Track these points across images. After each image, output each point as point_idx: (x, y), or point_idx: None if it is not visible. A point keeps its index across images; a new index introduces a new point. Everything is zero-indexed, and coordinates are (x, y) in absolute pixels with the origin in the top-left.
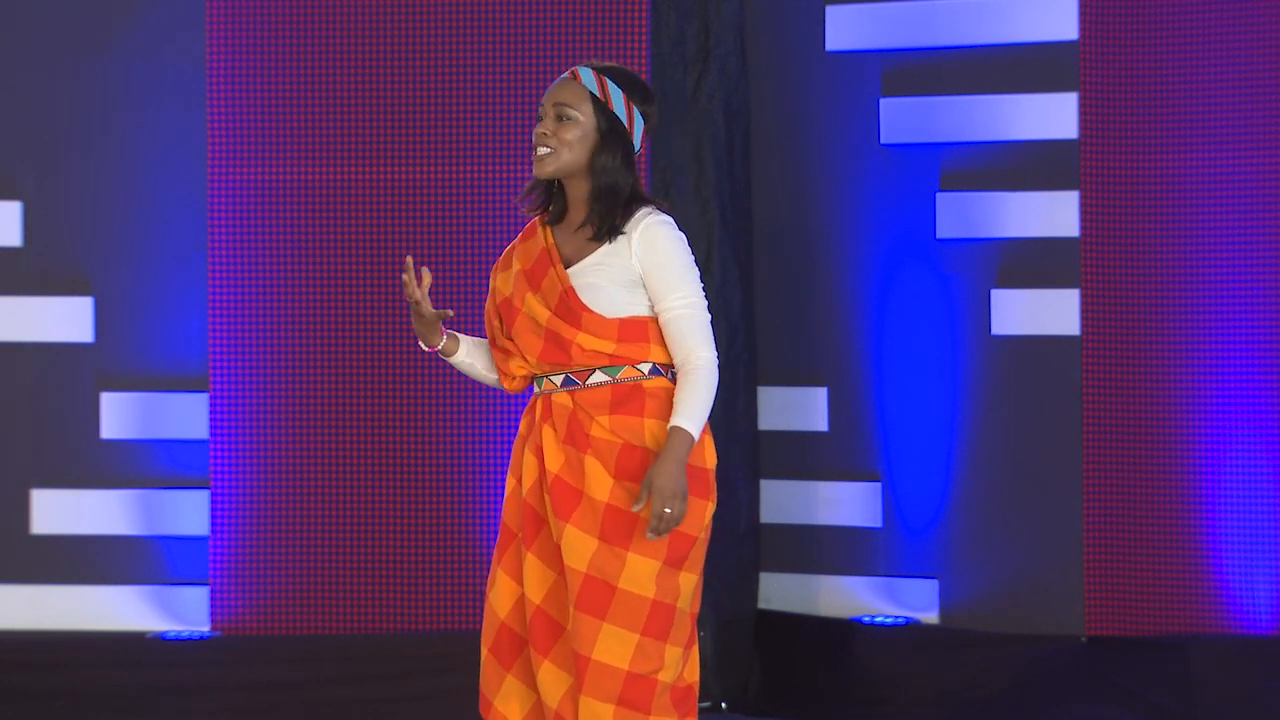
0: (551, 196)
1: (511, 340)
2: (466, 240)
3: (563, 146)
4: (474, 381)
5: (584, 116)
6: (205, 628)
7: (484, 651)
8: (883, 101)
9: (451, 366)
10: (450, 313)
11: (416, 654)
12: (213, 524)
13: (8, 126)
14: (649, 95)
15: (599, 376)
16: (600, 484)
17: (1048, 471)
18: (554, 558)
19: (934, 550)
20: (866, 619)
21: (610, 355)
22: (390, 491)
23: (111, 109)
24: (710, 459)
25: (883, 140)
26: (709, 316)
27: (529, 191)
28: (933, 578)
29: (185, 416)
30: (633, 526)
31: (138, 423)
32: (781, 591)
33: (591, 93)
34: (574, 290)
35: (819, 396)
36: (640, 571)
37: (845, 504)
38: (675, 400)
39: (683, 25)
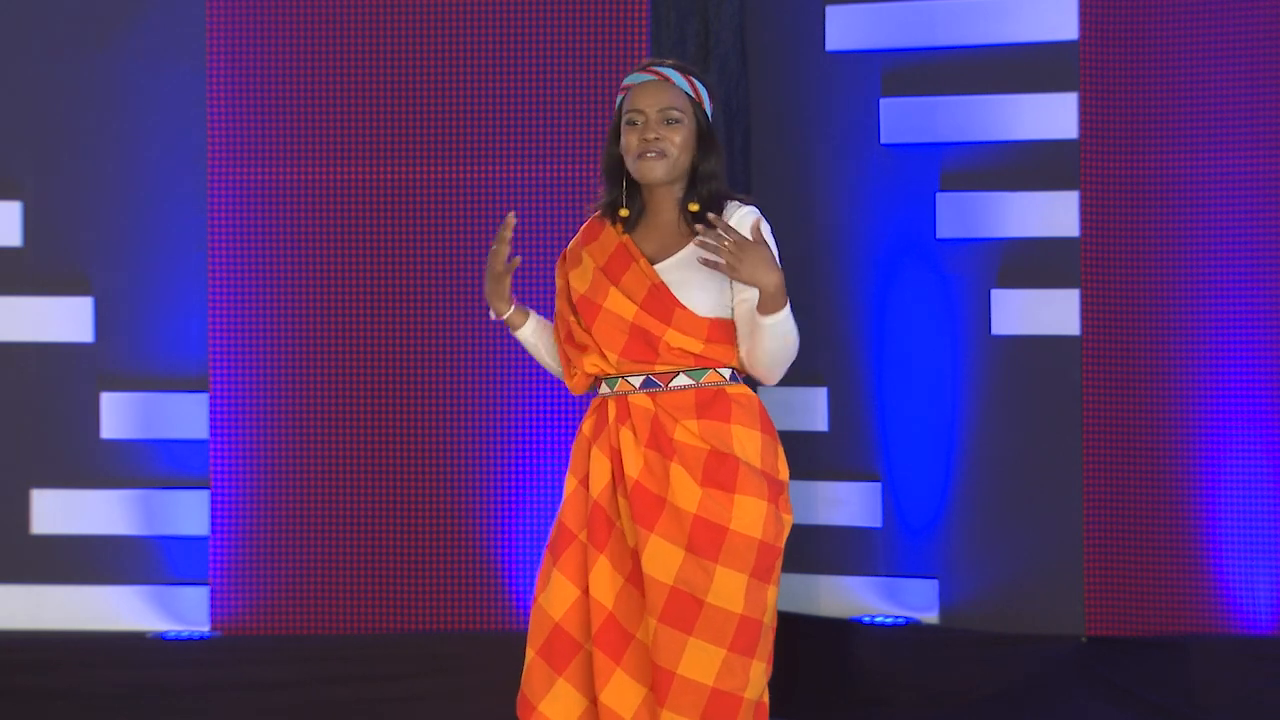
0: (624, 198)
1: (590, 336)
2: (466, 240)
3: (674, 149)
4: (474, 381)
5: (687, 119)
6: (205, 628)
7: (530, 653)
8: (883, 101)
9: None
10: (518, 259)
11: (416, 654)
12: (213, 524)
13: (8, 126)
14: (712, 91)
15: (683, 379)
16: (688, 494)
17: (1048, 471)
18: (623, 562)
19: (934, 550)
20: (866, 619)
21: (696, 355)
22: (390, 491)
23: (111, 109)
24: (784, 470)
25: (883, 140)
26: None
27: (607, 198)
28: (933, 578)
29: (185, 416)
30: (721, 538)
31: (138, 423)
32: (782, 591)
33: (688, 94)
34: (665, 285)
35: (819, 396)
36: (729, 586)
37: (845, 504)
38: None
39: (683, 25)
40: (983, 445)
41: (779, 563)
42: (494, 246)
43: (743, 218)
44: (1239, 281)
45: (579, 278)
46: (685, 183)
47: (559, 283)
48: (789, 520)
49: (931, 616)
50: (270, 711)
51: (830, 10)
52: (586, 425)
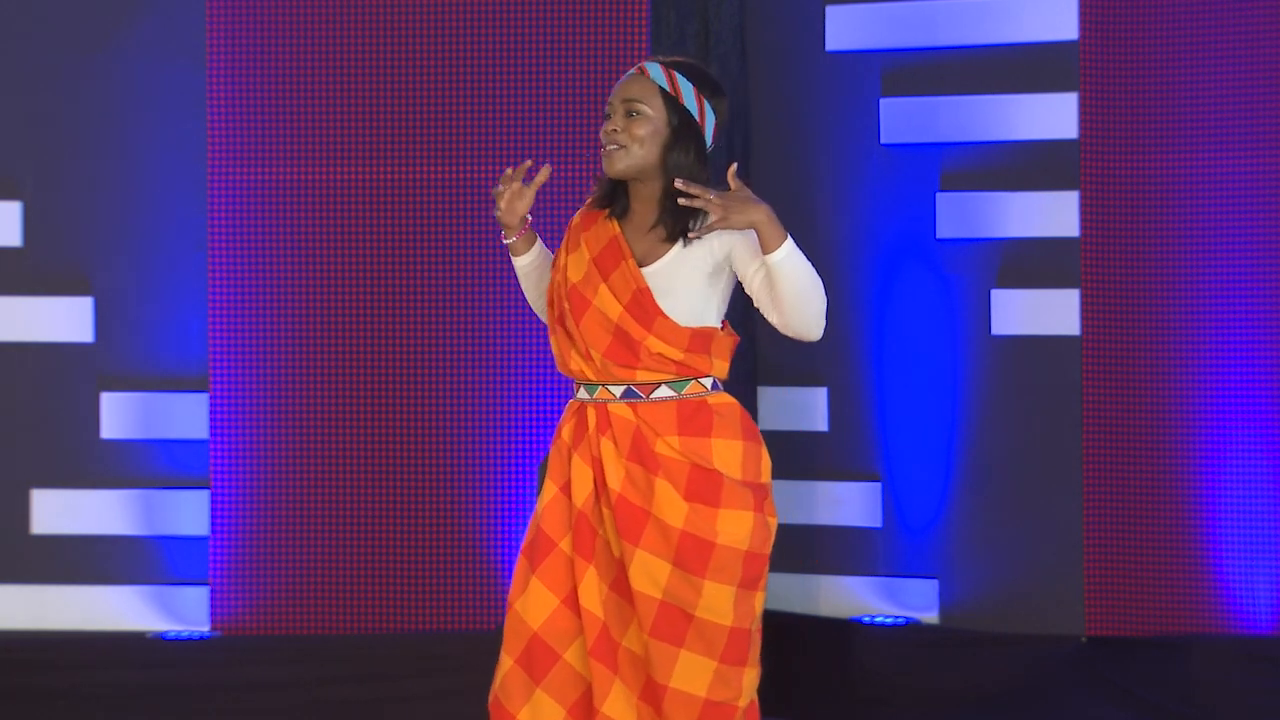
0: (615, 196)
1: (579, 330)
2: (467, 240)
3: (633, 143)
4: (474, 382)
5: (654, 111)
6: (205, 628)
7: (509, 661)
8: (883, 101)
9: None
10: (548, 168)
11: (416, 654)
12: (213, 524)
13: (8, 126)
14: (720, 89)
15: (665, 391)
16: (674, 509)
17: (1048, 471)
18: (608, 571)
19: (934, 550)
20: (866, 619)
21: (677, 364)
22: (390, 491)
23: (111, 109)
24: (767, 474)
25: (883, 140)
26: None
27: (597, 193)
28: (933, 578)
29: (185, 416)
30: (709, 554)
31: (138, 423)
32: (781, 591)
33: (661, 87)
34: (649, 292)
35: (819, 396)
36: (718, 599)
37: (845, 504)
38: None
39: (683, 25)
40: (983, 445)
41: (766, 568)
42: (504, 179)
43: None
44: (1239, 281)
45: (575, 264)
46: (662, 182)
47: (557, 260)
48: (774, 523)
49: (931, 616)
50: (270, 711)
51: (830, 10)
52: (565, 430)
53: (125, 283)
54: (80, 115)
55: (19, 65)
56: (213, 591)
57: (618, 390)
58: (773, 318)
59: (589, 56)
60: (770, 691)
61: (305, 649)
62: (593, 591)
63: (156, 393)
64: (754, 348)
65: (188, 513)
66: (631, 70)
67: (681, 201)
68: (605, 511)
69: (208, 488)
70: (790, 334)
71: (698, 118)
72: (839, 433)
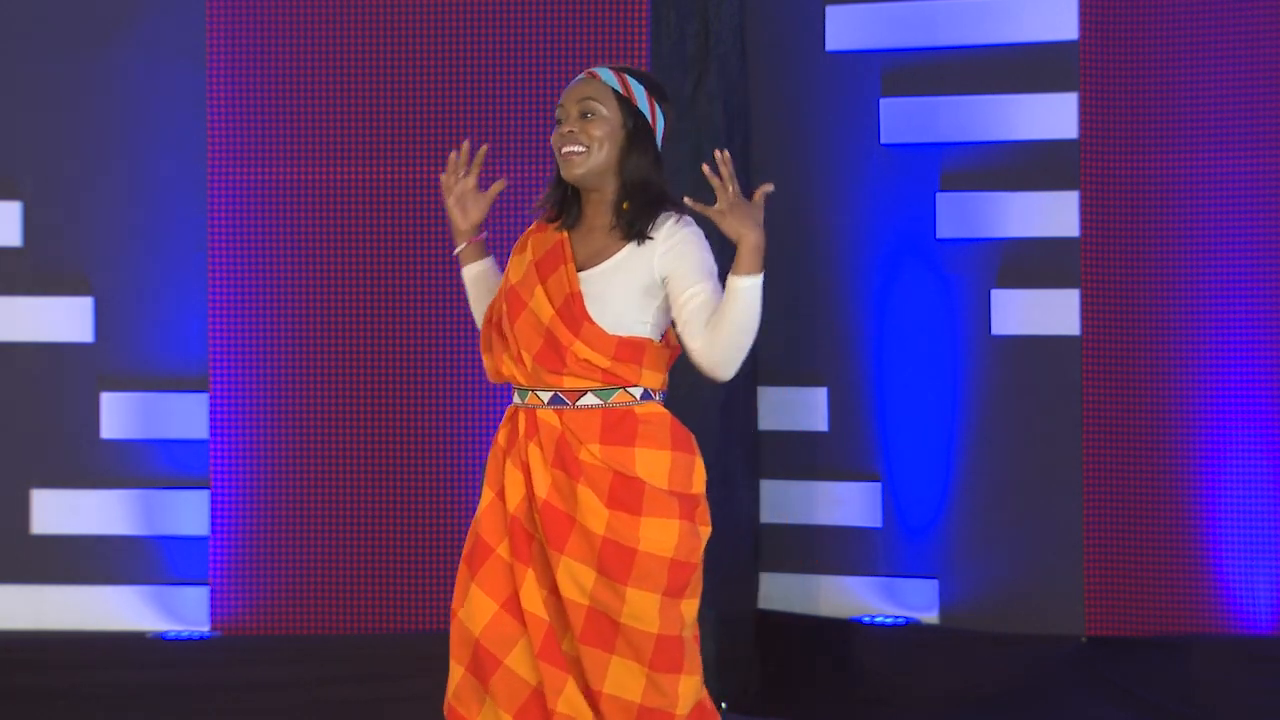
0: (565, 202)
1: (513, 331)
2: None
3: (592, 144)
4: (474, 382)
5: (609, 113)
6: (205, 628)
7: (459, 670)
8: (883, 101)
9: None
10: (503, 182)
11: (416, 654)
12: (213, 524)
13: (8, 126)
14: (665, 92)
15: (590, 399)
16: (596, 516)
17: (1048, 471)
18: (545, 575)
19: (934, 550)
20: (866, 619)
21: (604, 371)
22: (390, 491)
23: (111, 109)
24: (700, 484)
25: (883, 140)
26: None
27: (546, 197)
28: (933, 578)
29: (185, 416)
30: (631, 560)
31: (138, 423)
32: (781, 591)
33: (614, 90)
34: (580, 296)
35: (819, 396)
36: (642, 606)
37: (845, 504)
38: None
39: (683, 25)
40: (983, 445)
41: (696, 576)
42: (447, 173)
43: (673, 232)
44: (1239, 281)
45: (517, 266)
46: (616, 185)
47: (507, 264)
48: (706, 532)
49: (931, 616)
50: (270, 711)
51: (830, 10)
52: (501, 435)
53: (125, 283)
54: (80, 115)
55: (19, 65)
56: (213, 591)
57: (545, 396)
58: (695, 342)
59: (589, 56)
60: (770, 691)
61: (305, 649)
62: (534, 594)
63: (156, 393)
64: (754, 348)
65: (188, 513)
66: (580, 75)
67: (706, 170)
68: (537, 518)
69: (208, 488)
70: (704, 364)
71: (650, 120)
72: (839, 433)
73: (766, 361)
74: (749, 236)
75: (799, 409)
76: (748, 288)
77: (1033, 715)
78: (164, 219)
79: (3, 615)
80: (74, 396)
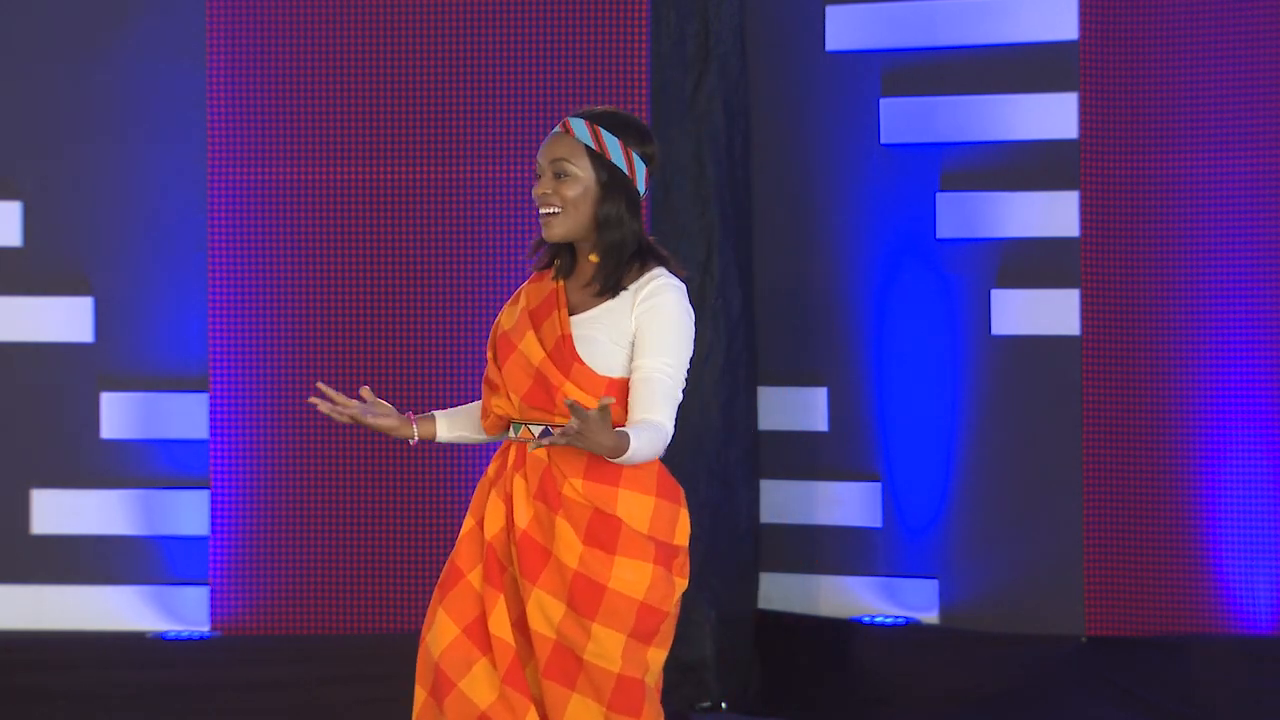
0: (558, 251)
1: (500, 375)
2: (466, 240)
3: (567, 205)
4: (474, 382)
5: (582, 171)
6: (205, 628)
7: (422, 694)
8: (883, 101)
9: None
10: (365, 390)
11: (416, 654)
12: (213, 524)
13: (8, 126)
14: (646, 135)
15: None
16: (570, 549)
17: (1048, 471)
18: (514, 605)
19: (934, 550)
20: (866, 619)
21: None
22: (390, 492)
23: (111, 109)
24: (683, 536)
25: (883, 140)
26: (682, 397)
27: (536, 247)
28: (933, 578)
29: (185, 416)
30: (600, 597)
31: (138, 423)
32: (781, 591)
33: (586, 145)
34: (571, 338)
35: (819, 396)
36: (607, 645)
37: (845, 504)
38: (636, 429)
39: (683, 25)
40: (983, 445)
41: (667, 625)
42: (336, 418)
43: (656, 289)
44: (1239, 281)
45: (509, 315)
46: (595, 235)
47: (496, 319)
48: (682, 584)
49: (931, 616)
50: (270, 711)
51: (830, 10)
52: (492, 467)
53: (125, 283)
54: (80, 115)
55: (19, 65)
56: (213, 591)
57: (536, 430)
58: (629, 414)
59: (589, 56)
60: (770, 691)
61: (305, 649)
62: (503, 620)
63: (156, 393)
64: (754, 348)
65: (188, 513)
66: (556, 129)
67: (567, 404)
68: (513, 549)
69: (208, 488)
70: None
71: (626, 170)
72: (839, 433)
73: (766, 361)
74: (603, 451)
75: (799, 409)
76: (626, 460)
77: (1033, 715)
78: (164, 219)
79: (3, 615)
80: (74, 396)
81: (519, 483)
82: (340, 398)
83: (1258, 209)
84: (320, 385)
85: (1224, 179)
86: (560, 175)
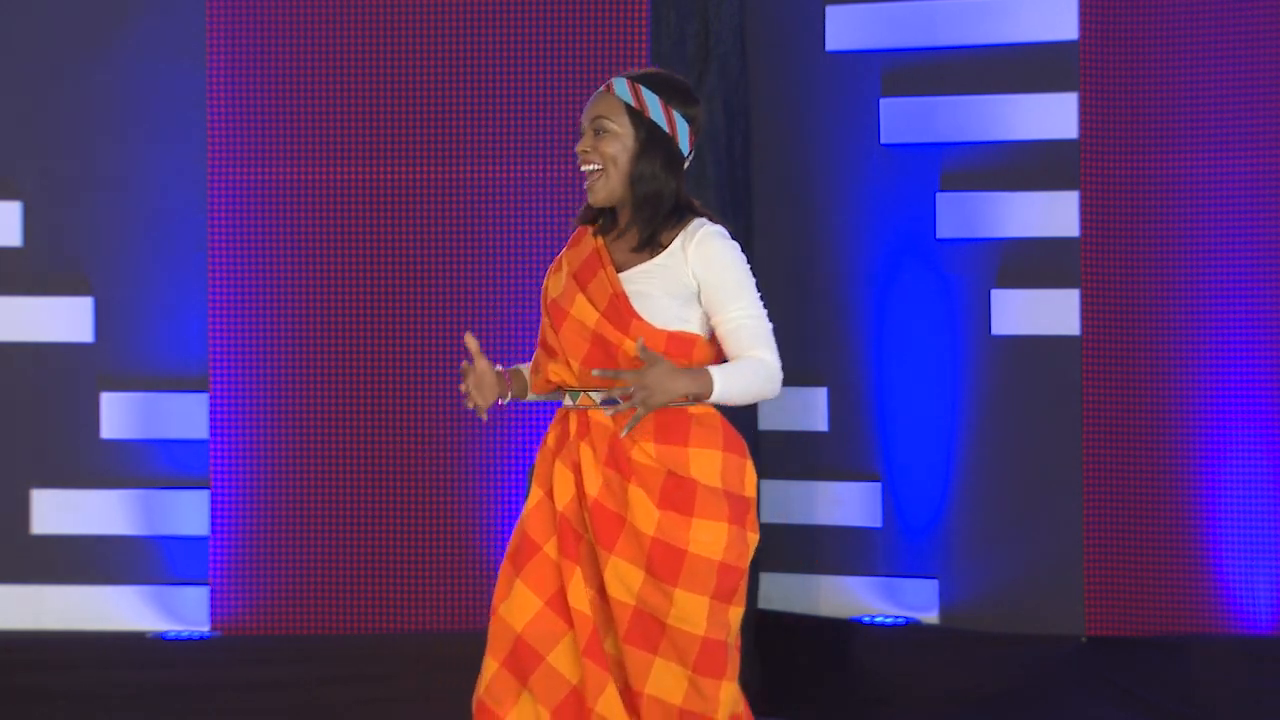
0: (601, 210)
1: (559, 341)
2: (466, 240)
3: (605, 162)
4: None
5: (621, 128)
6: (205, 628)
7: (494, 664)
8: (883, 101)
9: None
10: (469, 337)
11: (416, 654)
12: (213, 524)
13: (8, 126)
14: (689, 96)
15: None
16: (646, 515)
17: (1048, 471)
18: (594, 575)
19: (934, 550)
20: (866, 619)
21: None
22: (390, 492)
23: (111, 109)
24: (751, 487)
25: (883, 140)
26: (771, 325)
27: (583, 213)
28: (933, 578)
29: (185, 416)
30: (680, 562)
31: (138, 423)
32: (781, 591)
33: (626, 103)
34: (625, 295)
35: (819, 396)
36: (690, 608)
37: (845, 504)
38: (723, 365)
39: (683, 25)
40: (983, 445)
41: (743, 583)
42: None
43: (703, 239)
44: (1239, 281)
45: (555, 283)
46: (634, 192)
47: (543, 290)
48: (754, 539)
49: (931, 616)
50: (270, 711)
51: (830, 10)
52: (550, 436)
53: (125, 283)
54: (80, 115)
55: (19, 65)
56: (213, 591)
57: (597, 397)
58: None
59: (589, 56)
60: (770, 691)
61: (305, 649)
62: (581, 592)
63: (156, 393)
64: None
65: (188, 513)
66: (600, 88)
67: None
68: (586, 517)
69: (208, 488)
70: None
71: (666, 129)
72: (839, 433)
73: None
74: (676, 390)
75: (799, 409)
76: (718, 398)
77: (1033, 715)
78: (164, 219)
79: (3, 615)
80: (74, 396)
81: (586, 450)
82: (481, 361)
83: (1258, 209)
84: (469, 337)
85: (1224, 179)
86: (599, 132)
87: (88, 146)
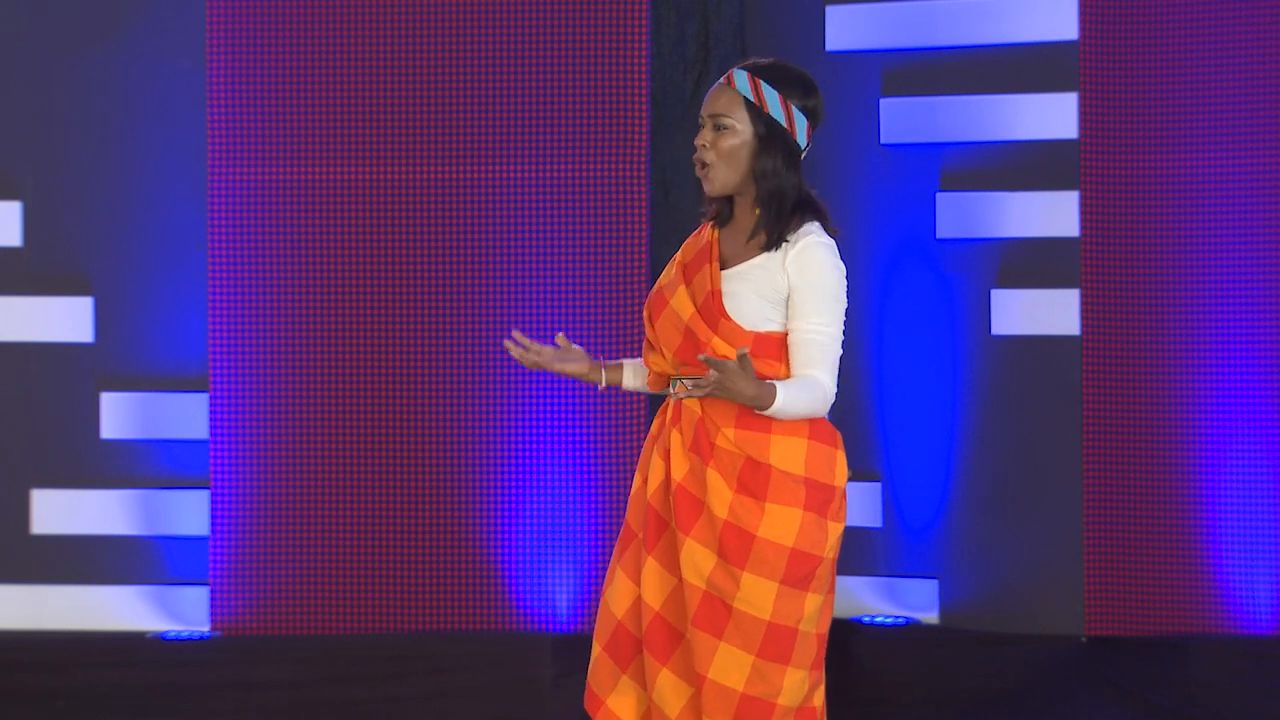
0: (722, 205)
1: (655, 332)
2: (466, 240)
3: (720, 159)
4: (474, 382)
5: (740, 124)
6: (205, 628)
7: (597, 648)
8: (883, 101)
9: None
10: (560, 335)
11: (416, 654)
12: (213, 524)
13: (8, 126)
14: (809, 88)
15: None
16: (721, 499)
17: (1048, 471)
18: (674, 563)
19: (934, 550)
20: (866, 619)
21: None
22: (390, 491)
23: (111, 109)
24: (841, 477)
25: (883, 140)
26: (840, 353)
27: (707, 204)
28: (933, 578)
29: (185, 416)
30: (749, 545)
31: (138, 423)
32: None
33: (745, 98)
34: (720, 294)
35: None
36: (757, 593)
37: None
38: (787, 381)
39: (683, 25)
40: (983, 445)
41: (824, 570)
42: (526, 362)
43: (807, 246)
44: (1239, 281)
45: (668, 271)
46: (754, 188)
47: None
48: (836, 528)
49: (931, 616)
50: (270, 711)
51: (830, 10)
52: (655, 425)
53: (125, 283)
54: (80, 115)
55: (19, 65)
56: (213, 591)
57: (689, 382)
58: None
59: (589, 56)
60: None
61: (305, 649)
62: (652, 582)
63: (156, 393)
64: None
65: (188, 513)
66: (720, 80)
67: (701, 359)
68: (671, 502)
69: (208, 488)
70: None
71: (785, 124)
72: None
73: None
74: (744, 398)
75: None
76: (774, 414)
77: (1033, 715)
78: (164, 219)
79: (3, 615)
80: (74, 396)
81: (675, 437)
82: (534, 345)
83: (1258, 209)
84: (516, 334)
85: (1224, 179)
86: (719, 128)
87: (88, 146)
